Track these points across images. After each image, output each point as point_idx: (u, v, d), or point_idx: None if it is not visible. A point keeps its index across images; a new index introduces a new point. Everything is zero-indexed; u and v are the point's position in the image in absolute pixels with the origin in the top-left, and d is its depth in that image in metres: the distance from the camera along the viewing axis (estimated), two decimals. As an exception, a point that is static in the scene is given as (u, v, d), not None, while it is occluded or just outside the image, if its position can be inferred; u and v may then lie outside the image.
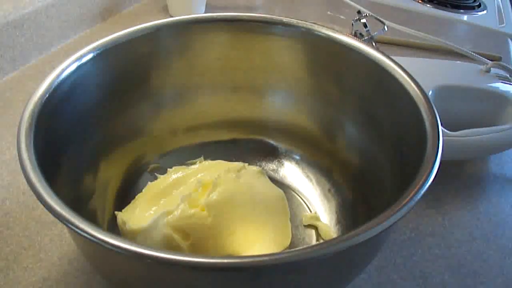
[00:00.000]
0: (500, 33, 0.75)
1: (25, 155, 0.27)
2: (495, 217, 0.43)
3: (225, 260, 0.23)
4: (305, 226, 0.40)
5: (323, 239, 0.39)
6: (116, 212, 0.37)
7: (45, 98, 0.31)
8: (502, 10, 0.83)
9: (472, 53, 0.62)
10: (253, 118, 0.45)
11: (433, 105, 0.32)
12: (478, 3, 0.84)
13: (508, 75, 0.50)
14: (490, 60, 0.57)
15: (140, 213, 0.36)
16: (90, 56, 0.35)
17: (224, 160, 0.41)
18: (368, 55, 0.37)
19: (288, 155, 0.45)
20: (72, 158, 0.34)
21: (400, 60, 0.36)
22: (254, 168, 0.40)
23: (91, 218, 0.33)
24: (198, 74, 0.43)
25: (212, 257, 0.23)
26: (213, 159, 0.42)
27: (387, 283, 0.37)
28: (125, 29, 0.38)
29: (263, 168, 0.43)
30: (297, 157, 0.45)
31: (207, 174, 0.38)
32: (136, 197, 0.38)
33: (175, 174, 0.40)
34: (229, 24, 0.41)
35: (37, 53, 0.60)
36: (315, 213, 0.41)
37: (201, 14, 0.41)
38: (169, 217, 0.34)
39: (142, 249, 0.22)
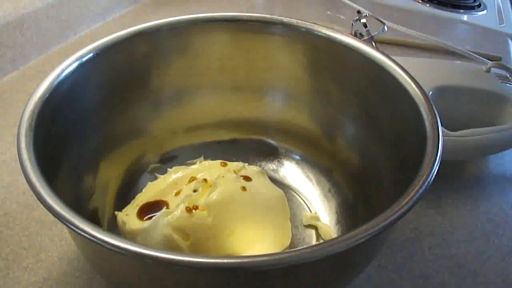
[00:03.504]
0: (500, 33, 0.75)
1: (25, 155, 0.27)
2: (495, 217, 0.43)
3: (225, 260, 0.23)
4: (305, 226, 0.40)
5: (323, 239, 0.39)
6: (116, 212, 0.37)
7: (45, 98, 0.31)
8: (502, 10, 0.83)
9: (472, 53, 0.62)
10: (253, 118, 0.45)
11: (433, 105, 0.32)
12: (478, 3, 0.84)
13: (508, 75, 0.50)
14: (490, 60, 0.57)
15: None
16: (90, 56, 0.35)
17: (224, 160, 0.41)
18: (368, 55, 0.37)
19: (288, 155, 0.45)
20: (72, 158, 0.34)
21: (400, 60, 0.36)
22: (254, 168, 0.40)
23: (91, 218, 0.33)
24: (198, 74, 0.43)
25: (212, 257, 0.23)
26: (213, 159, 0.42)
27: (387, 283, 0.37)
28: (125, 29, 0.38)
29: (263, 168, 0.43)
30: (297, 157, 0.45)
31: (207, 174, 0.38)
32: (136, 197, 0.38)
33: (175, 174, 0.40)
34: (229, 24, 0.41)
35: (37, 53, 0.60)
36: (315, 213, 0.41)
37: (201, 14, 0.41)
38: (169, 217, 0.34)
39: (142, 249, 0.22)
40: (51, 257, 0.37)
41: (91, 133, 0.37)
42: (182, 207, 0.34)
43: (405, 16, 0.76)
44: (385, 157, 0.36)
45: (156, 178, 0.41)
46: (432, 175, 0.27)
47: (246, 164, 0.41)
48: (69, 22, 0.64)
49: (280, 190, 0.40)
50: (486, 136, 0.44)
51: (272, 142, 0.46)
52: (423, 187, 0.26)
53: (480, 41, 0.73)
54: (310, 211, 0.41)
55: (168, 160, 0.43)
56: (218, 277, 0.25)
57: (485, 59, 0.60)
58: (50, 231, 0.39)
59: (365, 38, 0.52)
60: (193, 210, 0.34)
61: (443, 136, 0.30)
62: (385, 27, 0.54)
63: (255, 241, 0.35)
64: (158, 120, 0.43)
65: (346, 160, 0.41)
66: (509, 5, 0.87)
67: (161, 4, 0.76)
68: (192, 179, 0.38)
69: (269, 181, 0.41)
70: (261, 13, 0.42)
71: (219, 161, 0.41)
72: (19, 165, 0.27)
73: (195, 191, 0.36)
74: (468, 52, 0.62)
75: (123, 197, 0.39)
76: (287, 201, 0.40)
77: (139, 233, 0.34)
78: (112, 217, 0.37)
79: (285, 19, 0.41)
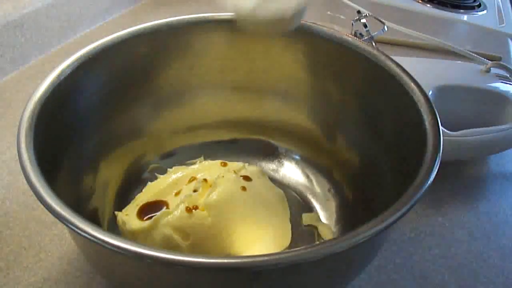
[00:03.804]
0: (500, 33, 0.75)
1: (25, 155, 0.27)
2: (495, 217, 0.43)
3: (225, 260, 0.23)
4: (305, 226, 0.40)
5: (323, 239, 0.39)
6: (116, 212, 0.37)
7: (45, 98, 0.31)
8: (502, 10, 0.83)
9: (472, 53, 0.62)
10: (253, 118, 0.45)
11: (433, 105, 0.32)
12: (478, 3, 0.84)
13: (508, 75, 0.50)
14: (490, 60, 0.57)
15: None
16: (90, 56, 0.35)
17: (224, 160, 0.41)
18: (368, 55, 0.37)
19: (288, 155, 0.45)
20: (72, 158, 0.34)
21: (400, 60, 0.36)
22: (254, 168, 0.40)
23: (91, 218, 0.33)
24: (198, 74, 0.43)
25: (212, 257, 0.23)
26: (213, 159, 0.42)
27: (387, 283, 0.37)
28: (125, 29, 0.38)
29: (263, 168, 0.43)
30: (297, 157, 0.45)
31: (207, 174, 0.38)
32: (136, 197, 0.38)
33: (175, 174, 0.40)
34: (229, 24, 0.41)
35: (37, 53, 0.60)
36: (315, 213, 0.41)
37: (201, 14, 0.41)
38: (169, 217, 0.34)
39: (142, 249, 0.22)
40: (51, 257, 0.37)
41: (91, 133, 0.37)
42: (182, 207, 0.34)
43: (405, 16, 0.76)
44: (385, 157, 0.36)
45: (156, 178, 0.41)
46: (432, 175, 0.27)
47: (246, 164, 0.41)
48: (69, 22, 0.64)
49: (280, 190, 0.40)
50: (486, 136, 0.44)
51: (272, 142, 0.46)
52: (423, 187, 0.26)
53: (480, 41, 0.73)
54: (310, 211, 0.41)
55: (168, 160, 0.43)
56: (218, 277, 0.25)
57: (485, 59, 0.60)
58: (50, 231, 0.39)
59: (365, 38, 0.52)
60: (193, 210, 0.34)
61: (443, 136, 0.30)
62: (385, 27, 0.54)
63: (255, 241, 0.35)
64: (158, 120, 0.43)
65: (346, 160, 0.41)
66: (509, 5, 0.87)
67: (161, 4, 0.76)
68: (192, 179, 0.38)
69: (269, 181, 0.41)
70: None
71: (219, 161, 0.41)
72: (19, 165, 0.27)
73: (195, 191, 0.36)
74: (468, 52, 0.62)
75: (123, 197, 0.39)
76: (287, 201, 0.40)
77: (139, 233, 0.34)
78: (112, 217, 0.37)
79: (285, 19, 0.40)
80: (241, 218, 0.35)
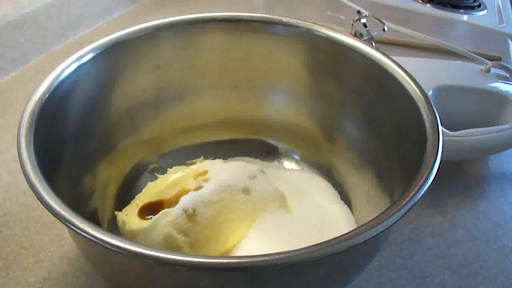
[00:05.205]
0: (500, 33, 0.75)
1: (25, 155, 0.27)
2: (495, 217, 0.43)
3: (225, 260, 0.23)
4: (305, 226, 0.40)
5: (323, 239, 0.39)
6: (116, 212, 0.37)
7: (45, 98, 0.31)
8: (502, 10, 0.83)
9: (471, 53, 0.62)
10: (253, 118, 0.45)
11: (433, 105, 0.32)
12: (478, 3, 0.84)
13: (508, 75, 0.50)
14: (490, 60, 0.57)
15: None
16: (90, 56, 0.35)
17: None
18: (368, 55, 0.37)
19: (288, 155, 0.45)
20: (72, 158, 0.34)
21: (400, 60, 0.36)
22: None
23: (91, 218, 0.33)
24: (198, 74, 0.43)
25: (212, 257, 0.23)
26: (213, 159, 0.42)
27: (387, 283, 0.37)
28: (125, 29, 0.38)
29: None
30: (297, 157, 0.45)
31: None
32: (136, 197, 0.38)
33: (175, 174, 0.40)
34: (229, 24, 0.41)
35: (37, 53, 0.60)
36: (315, 213, 0.41)
37: (201, 14, 0.41)
38: (169, 217, 0.34)
39: (142, 249, 0.22)
40: (51, 257, 0.37)
41: (91, 133, 0.37)
42: (182, 206, 0.34)
43: (405, 16, 0.76)
44: (385, 157, 0.36)
45: (156, 178, 0.41)
46: (432, 175, 0.27)
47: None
48: (69, 22, 0.64)
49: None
50: (486, 136, 0.44)
51: (272, 142, 0.46)
52: (423, 187, 0.26)
53: (480, 41, 0.73)
54: (310, 211, 0.41)
55: (168, 160, 0.43)
56: (218, 277, 0.25)
57: (485, 59, 0.60)
58: (50, 231, 0.39)
59: (365, 38, 0.52)
60: (193, 210, 0.34)
61: (443, 136, 0.30)
62: (385, 27, 0.54)
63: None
64: (158, 120, 0.43)
65: (346, 160, 0.41)
66: (509, 5, 0.87)
67: (161, 4, 0.76)
68: (192, 179, 0.38)
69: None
70: (261, 13, 0.42)
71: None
72: (19, 165, 0.27)
73: (195, 189, 0.36)
74: (468, 52, 0.62)
75: (123, 197, 0.39)
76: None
77: (139, 233, 0.34)
78: (112, 217, 0.37)
79: (285, 19, 0.41)
80: (242, 218, 0.35)
